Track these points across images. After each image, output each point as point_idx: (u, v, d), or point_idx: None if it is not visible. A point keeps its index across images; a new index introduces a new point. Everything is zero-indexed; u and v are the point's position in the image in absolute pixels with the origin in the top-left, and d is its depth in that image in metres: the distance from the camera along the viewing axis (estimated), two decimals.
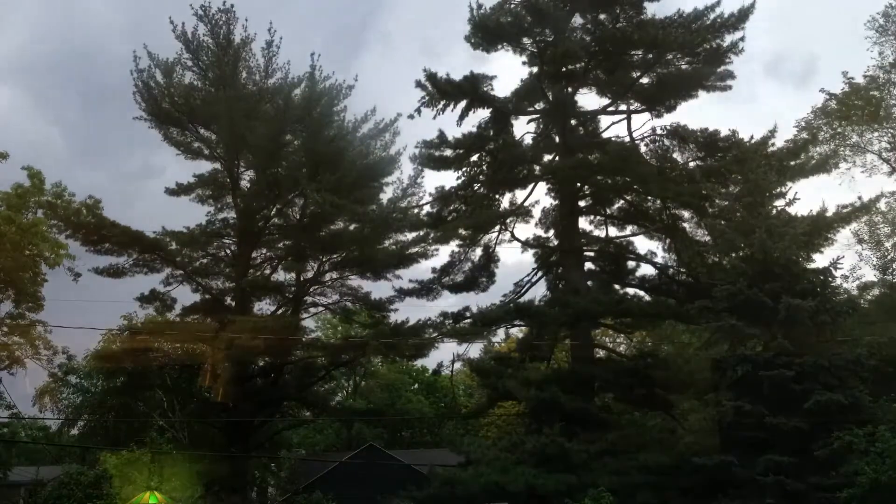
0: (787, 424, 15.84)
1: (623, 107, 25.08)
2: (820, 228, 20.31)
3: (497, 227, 26.30)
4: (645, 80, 24.36)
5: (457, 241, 26.23)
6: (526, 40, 25.28)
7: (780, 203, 19.41)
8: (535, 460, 18.93)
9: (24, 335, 26.21)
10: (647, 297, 24.79)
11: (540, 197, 26.41)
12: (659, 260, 25.46)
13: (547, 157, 25.58)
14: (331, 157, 27.11)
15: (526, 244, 26.35)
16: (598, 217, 26.14)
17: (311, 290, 29.80)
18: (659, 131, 24.41)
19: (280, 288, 29.51)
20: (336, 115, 28.75)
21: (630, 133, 24.57)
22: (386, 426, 41.47)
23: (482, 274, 26.88)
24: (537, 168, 25.31)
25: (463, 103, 24.97)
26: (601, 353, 26.43)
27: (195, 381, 30.07)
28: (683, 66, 24.12)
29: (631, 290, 25.11)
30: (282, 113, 28.02)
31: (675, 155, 24.42)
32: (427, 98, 24.85)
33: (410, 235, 27.69)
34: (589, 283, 24.78)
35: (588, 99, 30.36)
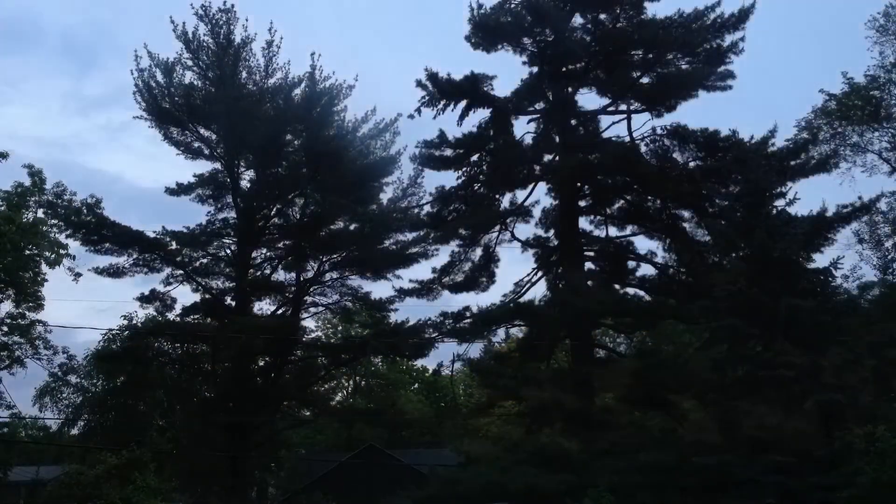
0: (787, 424, 15.82)
1: (623, 107, 25.09)
2: (820, 228, 20.28)
3: (497, 227, 26.31)
4: (645, 80, 24.37)
5: (457, 241, 26.29)
6: (526, 40, 25.29)
7: (780, 203, 19.40)
8: (535, 460, 18.92)
9: (24, 335, 26.23)
10: (647, 297, 24.79)
11: (540, 197, 26.45)
12: (659, 260, 25.49)
13: (547, 157, 25.60)
14: (331, 157, 27.11)
15: (526, 244, 26.37)
16: (598, 217, 26.13)
17: (311, 290, 29.80)
18: (659, 131, 24.42)
19: (280, 288, 29.51)
20: (336, 115, 28.74)
21: (630, 133, 24.61)
22: (386, 426, 41.42)
23: (482, 274, 26.89)
24: (537, 168, 25.32)
25: (463, 103, 24.98)
26: (601, 353, 26.43)
27: (195, 381, 30.11)
28: (683, 66, 24.14)
29: (631, 290, 25.15)
30: (282, 113, 28.01)
31: (675, 155, 24.41)
32: (427, 98, 24.88)
33: (410, 235, 27.79)
34: (589, 283, 24.77)
35: (588, 99, 30.37)
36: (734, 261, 19.99)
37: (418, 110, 25.12)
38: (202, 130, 28.84)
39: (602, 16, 25.04)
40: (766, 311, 17.42)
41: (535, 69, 25.17)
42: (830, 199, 21.91)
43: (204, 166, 29.80)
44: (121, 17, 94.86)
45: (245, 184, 29.02)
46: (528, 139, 25.50)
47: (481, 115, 25.19)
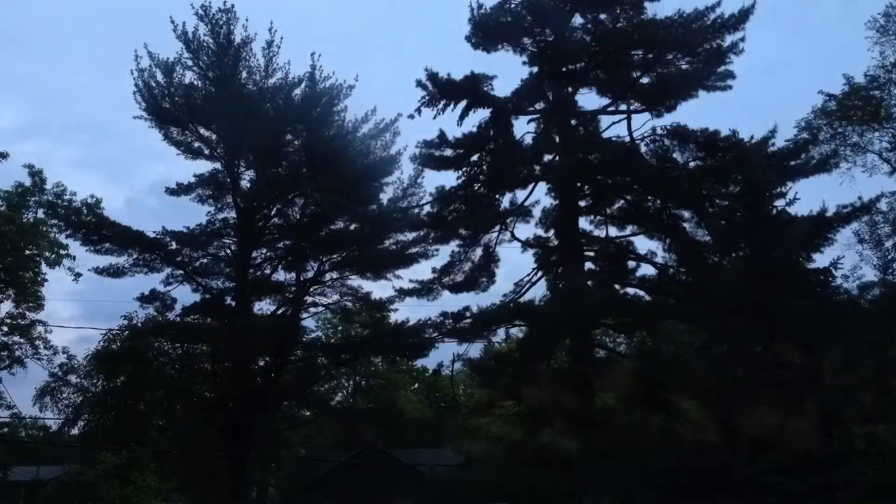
0: (787, 424, 15.83)
1: (623, 107, 25.05)
2: (820, 228, 20.29)
3: (497, 227, 26.28)
4: (645, 80, 24.35)
5: (457, 241, 26.26)
6: (526, 40, 25.28)
7: (780, 203, 19.42)
8: (535, 460, 18.91)
9: (24, 335, 26.27)
10: (647, 297, 24.76)
11: (540, 197, 26.44)
12: (659, 260, 25.42)
13: (547, 157, 25.58)
14: (331, 157, 27.12)
15: (526, 244, 26.33)
16: (598, 217, 26.10)
17: (311, 290, 29.80)
18: (659, 131, 24.37)
19: (280, 288, 29.51)
20: (336, 115, 28.75)
21: (630, 133, 24.54)
22: (386, 426, 41.47)
23: (482, 274, 26.86)
24: (537, 168, 25.28)
25: (463, 103, 24.97)
26: (601, 353, 26.42)
27: (195, 381, 30.10)
28: (683, 66, 24.12)
29: (631, 290, 25.11)
30: (282, 113, 28.01)
31: (675, 155, 24.37)
32: (427, 98, 24.87)
33: (410, 235, 27.76)
34: (589, 283, 24.75)
35: (588, 99, 30.48)
36: (734, 261, 20.00)
37: (418, 110, 25.10)
38: (202, 130, 28.85)
39: (602, 16, 25.02)
40: (766, 311, 17.43)
41: (535, 69, 25.14)
42: (830, 199, 21.97)
43: (204, 166, 29.83)
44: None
45: (245, 184, 29.05)
46: (528, 139, 25.48)
47: (481, 115, 25.18)
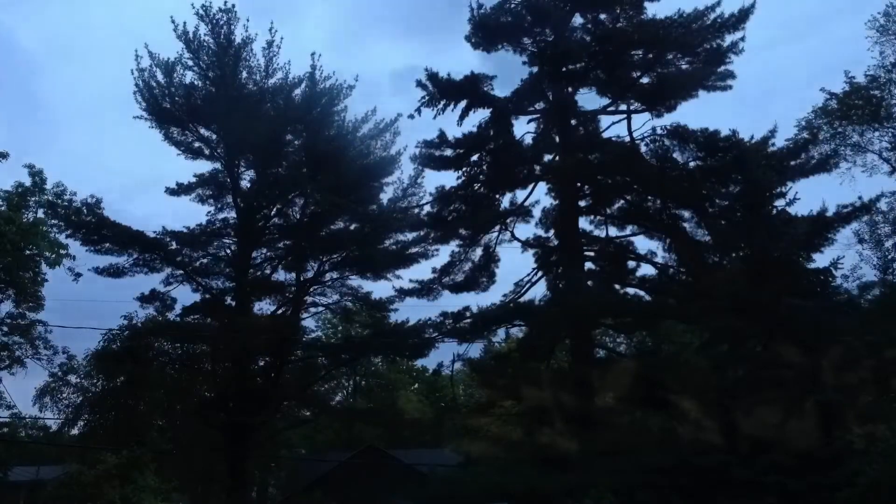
0: (787, 424, 15.83)
1: (623, 107, 25.08)
2: (820, 228, 20.29)
3: (497, 227, 26.32)
4: (645, 80, 24.37)
5: (457, 241, 26.32)
6: (526, 40, 25.31)
7: (780, 203, 19.42)
8: (535, 460, 18.92)
9: (24, 335, 26.27)
10: (647, 297, 24.78)
11: (540, 197, 26.50)
12: (659, 260, 25.46)
13: (547, 157, 25.61)
14: (331, 157, 27.10)
15: (526, 244, 26.36)
16: (598, 217, 26.13)
17: (311, 290, 29.78)
18: (659, 131, 24.40)
19: (280, 288, 29.49)
20: (336, 115, 28.73)
21: (630, 133, 24.58)
22: (386, 426, 41.53)
23: (482, 274, 26.89)
24: (537, 168, 25.32)
25: (463, 103, 25.00)
26: (601, 353, 26.44)
27: (195, 381, 30.11)
28: (683, 66, 24.15)
29: (631, 290, 25.14)
30: (282, 113, 27.99)
31: (675, 155, 24.39)
32: (427, 98, 24.90)
33: (410, 235, 27.77)
34: (589, 283, 24.77)
35: (588, 99, 30.50)
36: (734, 261, 20.00)
37: (418, 110, 25.16)
38: (202, 130, 28.81)
39: (602, 16, 25.06)
40: (766, 311, 17.43)
41: (535, 69, 25.17)
42: (830, 199, 21.94)
43: (204, 166, 29.79)
44: None
45: (245, 184, 29.01)
46: (528, 139, 25.53)
47: (481, 115, 25.25)
